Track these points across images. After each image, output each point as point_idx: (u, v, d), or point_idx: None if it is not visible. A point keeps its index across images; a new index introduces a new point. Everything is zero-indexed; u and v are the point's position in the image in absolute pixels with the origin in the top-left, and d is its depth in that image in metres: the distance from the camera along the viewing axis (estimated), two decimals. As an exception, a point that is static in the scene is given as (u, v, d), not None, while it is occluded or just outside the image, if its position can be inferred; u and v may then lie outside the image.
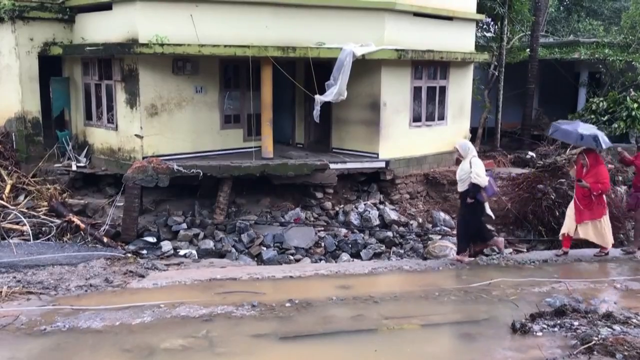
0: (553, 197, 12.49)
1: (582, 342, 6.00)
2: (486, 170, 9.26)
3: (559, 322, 6.69)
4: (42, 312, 6.83)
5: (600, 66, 20.25)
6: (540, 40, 20.50)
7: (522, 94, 19.95)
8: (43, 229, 10.84)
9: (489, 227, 9.94)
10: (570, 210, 9.75)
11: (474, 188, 8.92)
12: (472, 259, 9.58)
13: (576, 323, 6.62)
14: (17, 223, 10.81)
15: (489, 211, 9.33)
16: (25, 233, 10.52)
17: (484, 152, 17.31)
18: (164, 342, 6.14)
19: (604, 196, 9.65)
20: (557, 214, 12.09)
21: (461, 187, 9.18)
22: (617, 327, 6.42)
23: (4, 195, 11.92)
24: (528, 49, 20.11)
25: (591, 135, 9.44)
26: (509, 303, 7.58)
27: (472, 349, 6.33)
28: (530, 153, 17.24)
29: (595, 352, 5.78)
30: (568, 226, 9.77)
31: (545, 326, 6.61)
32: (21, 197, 12.24)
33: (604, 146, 9.53)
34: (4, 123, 14.24)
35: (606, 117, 17.75)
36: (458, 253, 9.64)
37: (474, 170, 8.87)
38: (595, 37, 23.10)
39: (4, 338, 6.14)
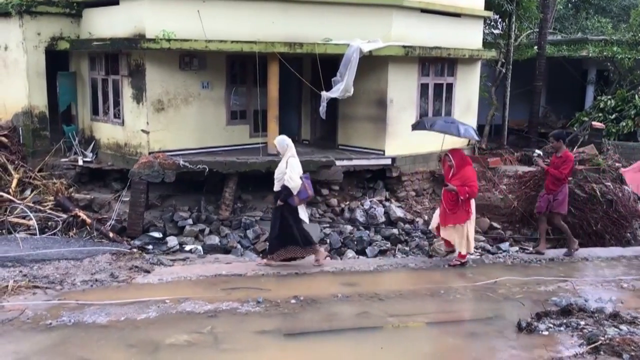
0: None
1: (589, 342, 5.97)
2: (304, 173, 8.63)
3: (565, 321, 6.66)
4: (47, 307, 6.85)
5: (609, 64, 20.13)
6: (548, 38, 20.37)
7: (530, 92, 19.84)
8: (49, 223, 10.87)
9: (308, 234, 8.99)
10: (438, 210, 9.40)
11: (285, 190, 8.37)
12: (286, 262, 8.87)
13: (582, 322, 6.60)
14: (24, 217, 10.84)
15: (303, 216, 8.66)
16: (31, 227, 10.55)
17: (491, 150, 17.24)
18: (168, 337, 6.15)
19: (472, 201, 8.98)
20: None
21: (276, 187, 8.58)
22: (624, 327, 6.39)
23: (10, 190, 11.96)
24: (536, 47, 19.99)
25: (470, 126, 9.28)
26: (515, 302, 7.55)
27: (478, 347, 6.31)
28: (537, 151, 17.15)
29: (601, 352, 5.76)
30: (433, 224, 9.48)
31: (551, 325, 6.59)
32: (27, 192, 12.27)
33: (479, 137, 9.25)
34: (11, 117, 14.28)
35: (614, 116, 17.65)
36: (265, 256, 8.99)
37: (288, 172, 8.31)
38: (604, 34, 22.96)
39: (10, 332, 6.16)
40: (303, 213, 8.68)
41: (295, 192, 8.34)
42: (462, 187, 8.69)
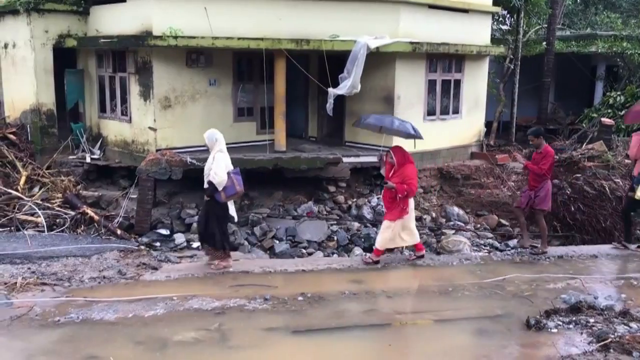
0: (569, 192, 12.38)
1: (598, 340, 5.93)
2: (234, 168, 8.33)
3: (574, 319, 6.62)
4: (56, 303, 6.87)
5: (618, 60, 19.99)
6: (556, 34, 20.26)
7: (538, 88, 19.74)
8: (57, 220, 10.90)
9: (228, 238, 8.69)
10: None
11: (211, 186, 8.08)
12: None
13: (592, 320, 6.55)
14: (32, 215, 10.87)
15: (232, 212, 8.36)
16: (39, 224, 10.58)
17: (499, 146, 17.17)
18: (176, 334, 6.16)
19: (411, 200, 8.78)
20: (573, 209, 11.98)
21: (205, 182, 8.28)
22: (634, 325, 6.35)
23: (19, 187, 12.01)
24: (544, 42, 19.89)
25: (409, 124, 9.08)
26: (524, 299, 7.51)
27: (486, 345, 6.28)
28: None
29: (611, 350, 5.72)
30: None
31: (560, 323, 6.55)
32: (36, 189, 12.32)
33: (418, 134, 9.04)
34: (19, 115, 14.36)
35: (623, 112, 17.50)
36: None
37: (213, 167, 8.03)
38: (613, 30, 22.79)
39: (18, 328, 6.19)
40: (233, 210, 8.38)
41: (220, 188, 8.03)
42: (401, 185, 8.49)
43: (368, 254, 9.20)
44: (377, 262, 8.89)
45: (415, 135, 9.14)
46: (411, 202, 8.85)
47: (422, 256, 9.20)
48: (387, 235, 8.77)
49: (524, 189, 10.06)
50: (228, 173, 8.08)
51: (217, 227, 8.29)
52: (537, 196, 9.32)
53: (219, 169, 8.00)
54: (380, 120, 9.40)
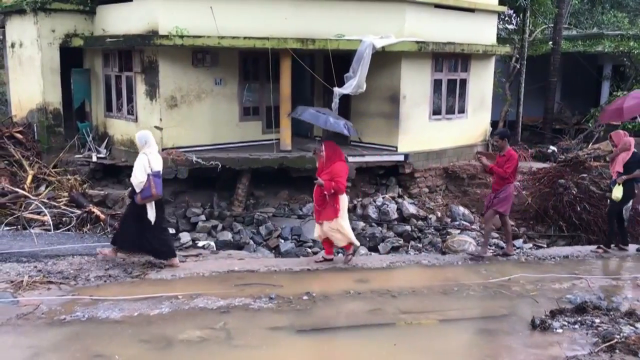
0: (574, 192, 12.35)
1: (604, 340, 5.91)
2: (155, 171, 7.97)
3: (579, 319, 6.59)
4: (62, 302, 6.89)
5: (625, 59, 19.90)
6: (563, 33, 20.19)
7: (544, 87, 19.68)
8: (63, 219, 10.94)
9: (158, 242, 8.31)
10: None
11: (132, 187, 7.98)
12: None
13: (597, 320, 6.52)
14: (38, 213, 10.92)
15: (151, 216, 8.01)
16: (46, 223, 10.63)
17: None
18: (181, 333, 6.17)
19: (341, 197, 8.46)
20: (579, 209, 11.94)
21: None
22: (639, 325, 6.31)
23: (25, 186, 12.07)
24: (550, 42, 19.82)
25: (340, 122, 8.73)
26: (529, 299, 7.49)
27: (491, 344, 6.27)
28: (552, 147, 17.03)
29: (617, 351, 5.69)
30: (316, 234, 8.92)
31: (566, 323, 6.52)
32: (42, 188, 12.37)
33: (351, 133, 8.82)
34: (26, 114, 14.43)
35: (630, 111, 17.42)
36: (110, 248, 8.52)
37: (134, 169, 7.90)
38: (620, 29, 22.69)
39: (25, 327, 6.21)
40: (151, 213, 8.02)
41: (138, 190, 7.87)
42: (328, 182, 8.24)
43: (347, 254, 8.91)
44: (353, 253, 8.90)
45: (348, 134, 8.91)
46: (343, 200, 8.53)
47: (353, 253, 8.97)
48: (337, 233, 8.51)
49: (489, 192, 9.83)
50: (148, 175, 7.87)
51: (133, 228, 8.08)
52: (496, 197, 9.12)
53: (137, 171, 7.88)
54: (315, 118, 8.89)
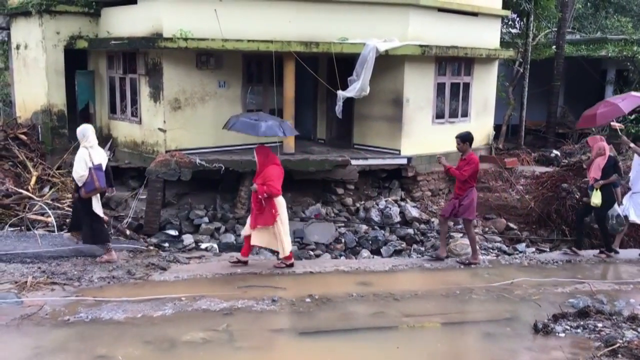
0: (577, 196, 12.34)
1: (606, 345, 5.91)
2: (96, 164, 8.12)
3: (582, 323, 6.60)
4: (65, 303, 6.92)
5: (628, 64, 19.88)
6: (566, 37, 20.18)
7: (547, 92, 19.67)
8: (67, 220, 10.95)
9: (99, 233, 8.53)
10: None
11: (75, 182, 8.17)
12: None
13: (600, 325, 6.53)
14: (42, 214, 10.95)
15: (97, 210, 8.25)
16: (49, 224, 10.66)
17: (508, 150, 17.13)
18: (184, 334, 6.19)
19: (278, 201, 8.32)
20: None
21: None
22: (642, 330, 6.31)
23: (29, 187, 12.10)
24: (554, 46, 19.82)
25: (274, 125, 8.57)
26: (531, 303, 7.49)
27: (494, 348, 6.27)
28: (555, 151, 17.03)
29: (619, 355, 5.69)
30: (246, 229, 8.69)
31: (568, 327, 6.53)
32: (46, 189, 12.41)
33: (287, 133, 8.64)
34: (31, 116, 14.47)
35: (633, 117, 17.42)
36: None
37: (74, 163, 8.09)
38: (624, 34, 22.68)
39: (29, 327, 6.23)
40: (97, 206, 8.26)
41: (80, 184, 8.06)
42: (261, 186, 8.19)
43: (279, 260, 8.73)
44: (291, 265, 8.60)
45: (284, 135, 8.78)
46: (280, 204, 8.38)
47: (292, 265, 8.61)
48: (277, 239, 8.40)
49: (450, 197, 9.68)
50: (90, 169, 8.03)
51: (86, 222, 8.35)
52: (461, 205, 8.92)
53: (77, 165, 8.04)
54: (248, 128, 8.69)
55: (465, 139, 8.98)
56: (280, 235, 8.36)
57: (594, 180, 9.32)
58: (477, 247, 9.52)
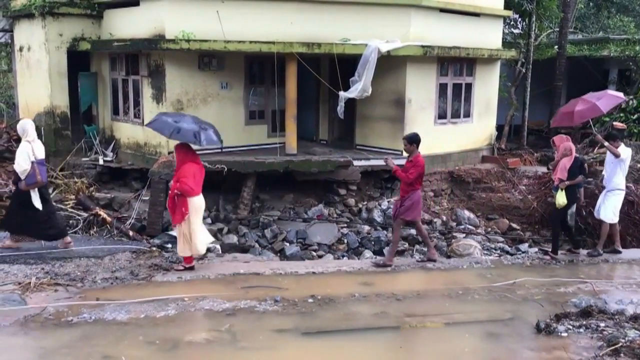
0: (579, 196, 12.29)
1: (609, 344, 5.90)
2: (39, 159, 8.36)
3: (584, 323, 6.59)
4: (69, 304, 6.93)
5: (631, 63, 19.84)
6: (568, 37, 20.15)
7: (550, 92, 19.64)
8: (70, 221, 11.00)
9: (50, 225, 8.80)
10: None
11: (15, 174, 8.48)
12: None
13: (602, 324, 6.52)
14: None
15: (36, 203, 8.46)
16: (53, 226, 10.68)
17: (510, 150, 17.11)
18: (187, 335, 6.21)
19: (191, 200, 8.07)
20: (584, 213, 11.90)
21: None
22: (645, 329, 6.31)
23: (33, 188, 12.12)
24: (556, 46, 19.79)
25: (192, 130, 8.09)
26: (534, 303, 7.49)
27: (496, 348, 6.28)
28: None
29: (622, 355, 5.68)
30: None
31: (571, 327, 6.52)
32: (49, 190, 12.42)
33: (204, 143, 8.18)
34: (34, 117, 14.49)
35: (636, 116, 17.40)
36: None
37: (16, 156, 8.37)
38: (626, 33, 22.64)
39: (32, 328, 6.26)
40: (36, 199, 8.51)
41: (22, 177, 8.35)
42: (174, 183, 8.10)
43: (179, 263, 8.48)
44: (192, 268, 8.34)
45: (199, 145, 8.22)
46: (193, 204, 8.11)
47: (192, 268, 8.34)
48: (181, 240, 8.21)
49: (397, 198, 9.52)
50: (32, 162, 8.32)
51: (16, 213, 8.65)
52: (402, 205, 8.85)
53: (20, 159, 8.31)
54: (162, 128, 8.30)
55: (412, 140, 8.82)
56: (184, 235, 8.12)
57: (559, 181, 9.19)
58: (395, 250, 9.30)
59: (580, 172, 9.29)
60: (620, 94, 10.08)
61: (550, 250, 9.73)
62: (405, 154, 13.13)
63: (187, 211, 8.09)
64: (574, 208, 9.40)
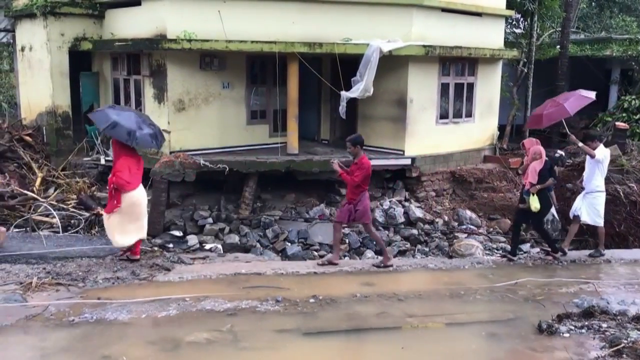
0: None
1: (611, 345, 5.89)
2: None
3: (586, 323, 6.58)
4: (70, 303, 6.94)
5: (633, 63, 19.82)
6: (570, 37, 20.12)
7: (552, 92, 19.55)
8: (72, 221, 11.01)
9: None
10: None
11: None
12: None
13: (604, 325, 6.51)
14: (47, 215, 10.99)
15: None
16: (54, 225, 10.70)
17: (512, 150, 17.08)
18: (189, 335, 6.20)
19: (125, 196, 8.11)
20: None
21: None
22: (647, 330, 6.29)
23: (34, 188, 12.15)
24: (558, 46, 19.76)
25: (128, 128, 7.97)
26: (536, 303, 7.48)
27: (498, 349, 6.27)
28: (559, 151, 16.95)
29: (624, 356, 5.67)
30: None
31: (573, 327, 6.51)
32: (51, 190, 12.45)
33: (134, 144, 8.06)
34: (35, 117, 14.53)
35: (638, 116, 17.39)
36: None
37: None
38: (628, 33, 22.61)
39: (34, 328, 6.26)
40: None
41: None
42: (111, 177, 8.13)
43: (127, 254, 8.60)
44: (138, 260, 8.50)
45: (130, 145, 8.11)
46: (126, 199, 8.18)
47: (137, 260, 8.49)
48: (109, 229, 8.33)
49: (343, 202, 9.31)
50: None
51: None
52: (357, 210, 8.63)
53: None
54: (101, 120, 8.22)
55: (355, 142, 8.59)
56: (115, 226, 8.23)
57: (530, 185, 9.01)
58: (385, 246, 9.20)
59: (551, 175, 9.13)
60: (591, 94, 9.92)
61: (551, 250, 9.67)
62: (407, 154, 13.34)
63: (119, 204, 8.17)
64: (551, 213, 9.18)
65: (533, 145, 9.28)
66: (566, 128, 9.87)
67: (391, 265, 8.93)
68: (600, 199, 9.58)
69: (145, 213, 8.65)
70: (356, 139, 8.73)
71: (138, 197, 8.32)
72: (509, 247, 11.53)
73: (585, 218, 9.60)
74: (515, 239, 9.78)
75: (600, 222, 9.62)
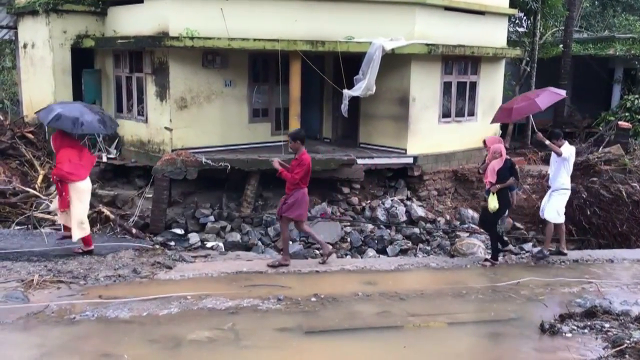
0: (584, 195, 12.28)
1: (614, 345, 5.87)
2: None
3: (589, 323, 6.56)
4: (71, 301, 6.93)
5: (636, 62, 19.78)
6: (574, 36, 20.09)
7: (555, 91, 19.57)
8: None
9: None
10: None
11: None
12: None
13: (607, 325, 6.49)
14: (49, 213, 10.99)
15: None
16: (56, 223, 10.68)
17: (515, 149, 17.07)
18: (190, 333, 6.19)
19: (72, 186, 8.16)
20: (589, 213, 11.89)
21: None
22: (650, 330, 6.27)
23: (36, 185, 12.15)
24: (561, 45, 19.74)
25: (72, 117, 8.07)
26: (538, 303, 7.47)
27: (500, 348, 6.26)
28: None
29: (627, 356, 5.65)
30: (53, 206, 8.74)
31: (575, 327, 6.50)
32: (53, 187, 12.43)
33: (82, 130, 8.15)
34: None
35: (641, 116, 17.37)
36: None
37: None
38: (632, 32, 22.56)
39: (35, 325, 6.25)
40: None
41: None
42: (53, 170, 8.13)
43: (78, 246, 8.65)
44: (90, 252, 8.59)
45: (72, 133, 8.24)
46: (74, 189, 8.23)
47: (91, 252, 8.57)
48: (74, 225, 8.35)
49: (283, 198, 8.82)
50: None
51: None
52: (285, 203, 8.46)
53: None
54: (46, 115, 8.31)
55: (296, 137, 8.38)
56: (70, 220, 8.34)
57: (490, 184, 8.85)
58: (288, 248, 8.98)
59: (511, 175, 8.92)
60: (562, 91, 9.85)
61: (492, 257, 9.31)
62: (410, 153, 13.32)
63: (67, 195, 8.21)
64: (506, 214, 9.10)
65: (494, 143, 9.12)
66: (534, 126, 9.78)
67: (287, 264, 8.61)
68: (565, 196, 9.46)
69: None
70: (297, 133, 8.52)
71: (83, 187, 8.38)
72: (511, 247, 11.54)
73: (549, 215, 9.44)
74: (495, 241, 9.36)
75: (559, 219, 9.45)
